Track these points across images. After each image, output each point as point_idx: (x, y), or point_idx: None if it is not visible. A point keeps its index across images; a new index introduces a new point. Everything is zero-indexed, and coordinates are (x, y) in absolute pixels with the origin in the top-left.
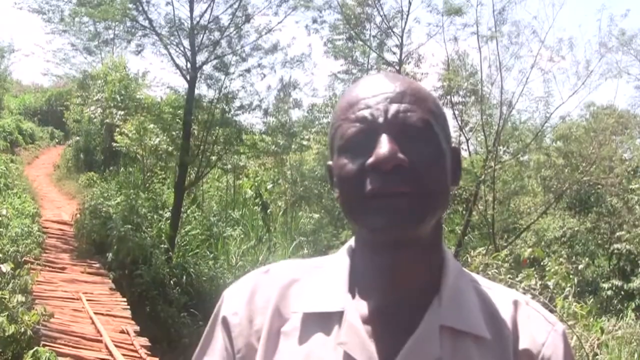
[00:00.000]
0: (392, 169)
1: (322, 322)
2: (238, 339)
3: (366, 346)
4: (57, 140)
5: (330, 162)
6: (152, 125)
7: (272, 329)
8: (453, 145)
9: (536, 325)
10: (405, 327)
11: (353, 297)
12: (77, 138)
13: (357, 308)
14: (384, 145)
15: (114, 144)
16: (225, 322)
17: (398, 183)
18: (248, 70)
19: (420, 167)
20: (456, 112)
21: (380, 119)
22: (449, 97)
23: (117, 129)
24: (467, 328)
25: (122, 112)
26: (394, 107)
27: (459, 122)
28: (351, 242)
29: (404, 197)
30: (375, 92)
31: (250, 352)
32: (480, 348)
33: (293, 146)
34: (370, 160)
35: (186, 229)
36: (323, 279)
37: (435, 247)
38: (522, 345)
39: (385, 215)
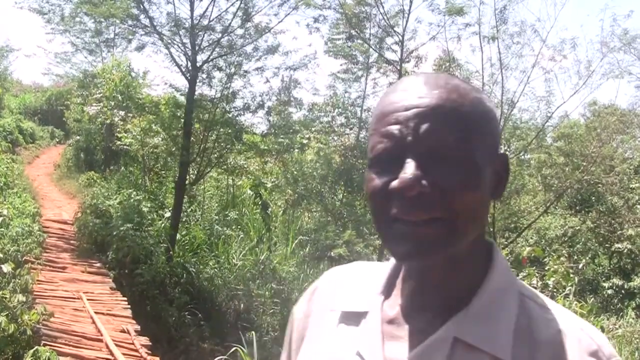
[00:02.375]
0: (415, 196)
1: (352, 320)
2: (295, 333)
3: (376, 347)
4: (57, 140)
5: None
6: (154, 125)
7: (317, 324)
8: (501, 152)
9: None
10: (423, 333)
11: (387, 299)
12: (78, 137)
13: (383, 310)
14: (409, 170)
15: (118, 143)
16: (291, 318)
17: (422, 210)
18: (248, 71)
19: (450, 191)
20: None
21: (409, 138)
22: None
23: (120, 128)
24: (485, 346)
25: (123, 112)
26: (425, 126)
27: None
28: None
29: (430, 225)
30: (409, 104)
31: (297, 347)
32: None
33: (296, 146)
34: (394, 184)
35: (187, 229)
36: (364, 280)
37: (475, 258)
38: None
39: (409, 243)
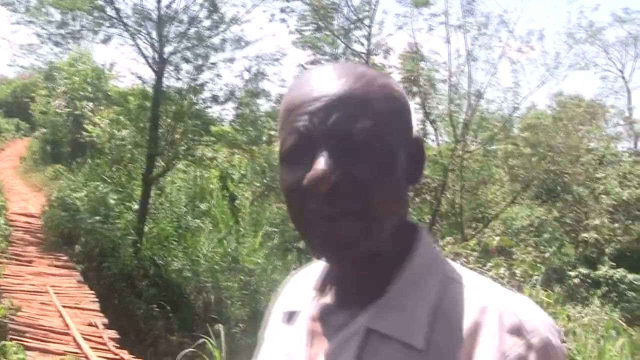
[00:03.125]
0: (329, 190)
1: (290, 320)
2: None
3: (302, 347)
4: (22, 132)
5: None
6: (121, 117)
7: (271, 325)
8: (415, 135)
9: (503, 336)
10: (343, 327)
11: (319, 297)
12: (44, 130)
13: (313, 307)
14: (319, 164)
15: (85, 134)
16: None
17: (336, 204)
18: (216, 63)
19: (365, 182)
20: (419, 102)
21: (319, 130)
22: (408, 86)
23: (88, 120)
24: (397, 334)
25: (91, 104)
26: (334, 116)
27: (425, 112)
28: None
29: (346, 219)
30: (317, 94)
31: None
32: (411, 358)
33: (263, 138)
34: (305, 182)
35: (154, 221)
36: (306, 279)
37: (396, 247)
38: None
39: (327, 242)
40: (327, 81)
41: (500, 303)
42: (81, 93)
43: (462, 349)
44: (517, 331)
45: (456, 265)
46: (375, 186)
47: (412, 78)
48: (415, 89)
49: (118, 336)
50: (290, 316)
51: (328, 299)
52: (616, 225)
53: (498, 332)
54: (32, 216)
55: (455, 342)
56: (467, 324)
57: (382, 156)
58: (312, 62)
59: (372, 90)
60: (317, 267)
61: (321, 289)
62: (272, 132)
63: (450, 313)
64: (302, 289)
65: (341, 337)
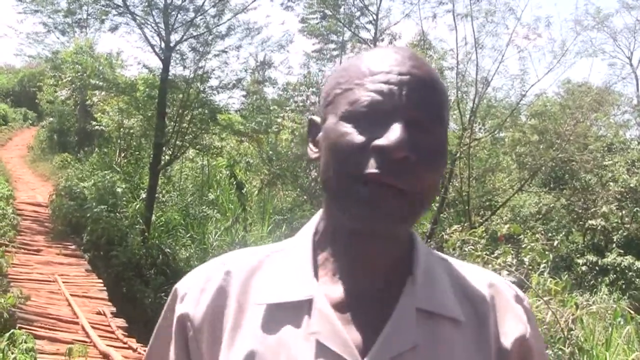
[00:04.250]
0: (400, 159)
1: (290, 312)
2: (197, 341)
3: (340, 334)
4: (30, 122)
5: (315, 117)
6: (129, 106)
7: (235, 325)
8: None
9: (514, 305)
10: (380, 312)
11: (326, 281)
12: (51, 119)
13: (327, 295)
14: (399, 132)
15: (94, 123)
16: (181, 322)
17: (401, 176)
18: (225, 51)
19: (425, 166)
20: None
21: (400, 101)
22: None
23: (97, 109)
24: (443, 310)
25: (98, 92)
26: (416, 93)
27: None
28: (312, 222)
29: (399, 197)
30: (400, 69)
31: (211, 353)
32: (459, 332)
33: (274, 127)
34: (381, 142)
35: (162, 210)
36: (286, 265)
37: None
38: (507, 329)
39: (376, 209)
40: (409, 61)
41: (496, 278)
42: (92, 81)
43: (490, 319)
44: (518, 299)
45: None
46: (430, 173)
47: None
48: None
49: (126, 325)
50: (291, 307)
51: (338, 286)
52: (624, 212)
53: (511, 303)
54: (40, 205)
55: (481, 312)
56: (485, 297)
57: (440, 145)
58: (319, 50)
59: (440, 80)
60: (278, 251)
61: (317, 275)
62: (279, 120)
63: (462, 288)
64: (287, 275)
65: (392, 320)
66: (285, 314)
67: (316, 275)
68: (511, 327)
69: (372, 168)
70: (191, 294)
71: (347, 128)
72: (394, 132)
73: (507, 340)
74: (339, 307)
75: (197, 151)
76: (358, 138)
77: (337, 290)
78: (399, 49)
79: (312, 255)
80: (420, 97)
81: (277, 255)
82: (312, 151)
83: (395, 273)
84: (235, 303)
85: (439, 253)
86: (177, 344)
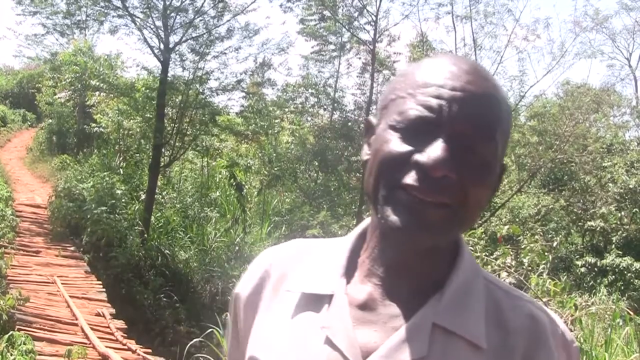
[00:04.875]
0: (440, 177)
1: (314, 303)
2: (242, 315)
3: (348, 333)
4: (29, 123)
5: (372, 118)
6: (128, 107)
7: (267, 308)
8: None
9: (556, 348)
10: (398, 319)
11: (349, 281)
12: (50, 120)
13: (349, 293)
14: (439, 150)
15: (93, 125)
16: (233, 301)
17: (440, 194)
18: (224, 52)
19: (468, 183)
20: None
21: (448, 117)
22: None
23: (95, 110)
24: (463, 332)
25: (98, 93)
26: (465, 110)
27: None
28: (363, 223)
29: (440, 209)
30: (454, 83)
31: (246, 331)
32: (476, 357)
33: (276, 128)
34: (422, 158)
35: (161, 211)
36: (322, 260)
37: (450, 245)
38: None
39: (415, 219)
40: (466, 74)
41: (542, 312)
42: (93, 82)
43: (518, 353)
44: (564, 343)
45: (487, 271)
46: (475, 189)
47: None
48: None
49: (125, 326)
50: (315, 299)
51: (367, 286)
52: (623, 213)
53: (549, 341)
54: (39, 207)
55: (511, 344)
56: (518, 327)
57: (488, 165)
58: (318, 52)
59: (502, 102)
60: (319, 246)
61: (349, 274)
62: (277, 121)
63: (498, 315)
64: (320, 269)
65: (406, 328)
66: (309, 304)
67: (349, 273)
68: None
69: (411, 180)
70: (244, 277)
71: (393, 137)
72: (435, 149)
73: None
74: (360, 307)
75: (197, 152)
76: (401, 148)
77: (364, 291)
78: (460, 60)
79: (349, 254)
80: (470, 114)
81: (322, 250)
82: (366, 153)
83: (427, 285)
84: (271, 288)
85: (489, 275)
86: (232, 319)
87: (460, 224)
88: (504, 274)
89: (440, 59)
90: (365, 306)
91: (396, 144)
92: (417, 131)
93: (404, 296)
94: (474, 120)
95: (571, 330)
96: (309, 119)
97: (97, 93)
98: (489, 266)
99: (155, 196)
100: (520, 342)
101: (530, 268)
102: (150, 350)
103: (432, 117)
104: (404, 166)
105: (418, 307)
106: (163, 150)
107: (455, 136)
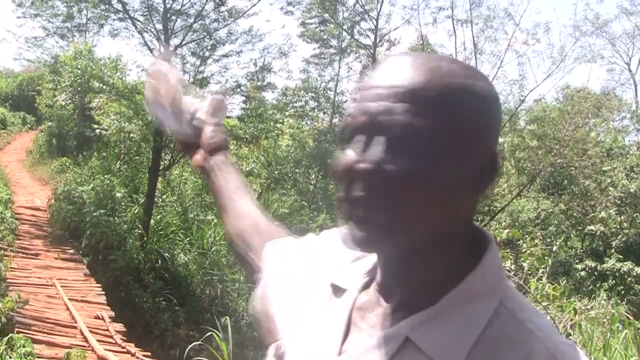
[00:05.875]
0: (351, 177)
1: (337, 294)
2: (282, 293)
3: (338, 332)
4: (29, 126)
5: None
6: (128, 110)
7: (310, 293)
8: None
9: None
10: (380, 326)
11: (370, 281)
12: (50, 123)
13: (362, 291)
14: (348, 152)
15: (95, 127)
16: (279, 272)
17: (356, 191)
18: (226, 55)
19: (392, 178)
20: None
21: (361, 119)
22: None
23: (98, 111)
24: (433, 354)
25: (99, 95)
26: (377, 106)
27: None
28: None
29: (362, 207)
30: (376, 83)
31: (288, 309)
32: None
33: (275, 132)
34: (335, 166)
35: (161, 214)
36: (356, 254)
37: (452, 254)
38: None
39: (351, 225)
40: (392, 72)
41: (548, 352)
42: (96, 84)
43: None
44: None
45: (517, 293)
46: (401, 184)
47: None
48: None
49: (124, 329)
50: (337, 291)
51: (373, 290)
52: (623, 217)
53: None
54: (38, 209)
55: None
56: None
57: (416, 157)
58: (318, 55)
59: (432, 86)
60: None
61: (372, 274)
62: (278, 125)
63: (493, 347)
64: (351, 263)
65: (377, 338)
66: (332, 294)
67: (374, 274)
68: None
69: (340, 191)
70: (294, 249)
71: (339, 149)
72: (345, 154)
73: None
74: (361, 308)
75: None
76: (337, 160)
77: (370, 293)
78: (402, 58)
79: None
80: (386, 110)
81: None
82: None
83: (423, 295)
84: (308, 268)
85: (511, 299)
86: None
87: (395, 224)
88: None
89: (393, 58)
90: (363, 310)
91: (339, 156)
92: (347, 139)
93: (398, 304)
94: (388, 113)
95: (570, 335)
96: (309, 122)
97: (99, 95)
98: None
99: (155, 199)
100: None
101: (529, 272)
102: (149, 354)
103: (353, 122)
104: (339, 178)
105: (404, 317)
106: (163, 153)
107: (372, 135)
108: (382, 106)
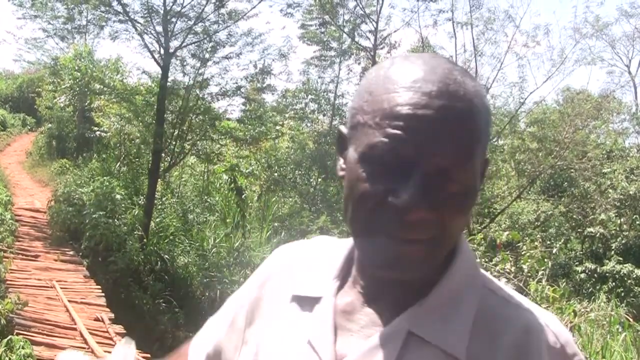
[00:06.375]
0: (415, 222)
1: (305, 305)
2: (248, 310)
3: (327, 337)
4: (29, 127)
5: (343, 128)
6: (129, 113)
7: (270, 307)
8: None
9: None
10: (375, 326)
11: (342, 285)
12: (50, 125)
13: (337, 297)
14: (414, 192)
15: (95, 128)
16: (257, 281)
17: (417, 232)
18: (227, 57)
19: (447, 217)
20: None
21: (421, 151)
22: None
23: (99, 113)
24: (440, 342)
25: (99, 97)
26: (440, 140)
27: None
28: None
29: (414, 245)
30: (418, 102)
31: (250, 324)
32: None
33: (273, 134)
34: (395, 201)
35: (161, 216)
36: (321, 261)
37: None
38: None
39: (390, 258)
40: (432, 86)
41: (541, 323)
42: (97, 85)
43: None
44: (560, 354)
45: (491, 277)
46: (454, 220)
47: None
48: None
49: (124, 331)
50: (307, 302)
51: (353, 292)
52: (623, 220)
53: (543, 355)
54: (38, 211)
55: (497, 358)
56: (509, 341)
57: (469, 190)
58: (318, 58)
59: (473, 109)
60: (327, 247)
61: (343, 277)
62: (278, 127)
63: (490, 326)
64: (315, 272)
65: (379, 336)
66: (301, 306)
67: (343, 277)
68: None
69: (386, 222)
70: (254, 275)
71: (366, 172)
72: (409, 190)
73: None
74: (343, 312)
75: (197, 157)
76: (374, 189)
77: (349, 297)
78: (431, 69)
79: (347, 257)
80: (446, 145)
81: (323, 250)
82: (341, 168)
83: (413, 290)
84: (273, 288)
85: (491, 282)
86: (240, 306)
87: (441, 252)
88: (503, 280)
89: (408, 67)
90: (347, 312)
91: (369, 183)
92: (389, 166)
93: (386, 302)
94: (450, 150)
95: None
96: (309, 124)
97: (99, 97)
98: (488, 272)
99: (155, 201)
100: (511, 355)
101: (529, 274)
102: (149, 355)
103: (401, 150)
104: (379, 207)
105: (399, 313)
106: (163, 155)
107: (432, 171)
108: (448, 138)
